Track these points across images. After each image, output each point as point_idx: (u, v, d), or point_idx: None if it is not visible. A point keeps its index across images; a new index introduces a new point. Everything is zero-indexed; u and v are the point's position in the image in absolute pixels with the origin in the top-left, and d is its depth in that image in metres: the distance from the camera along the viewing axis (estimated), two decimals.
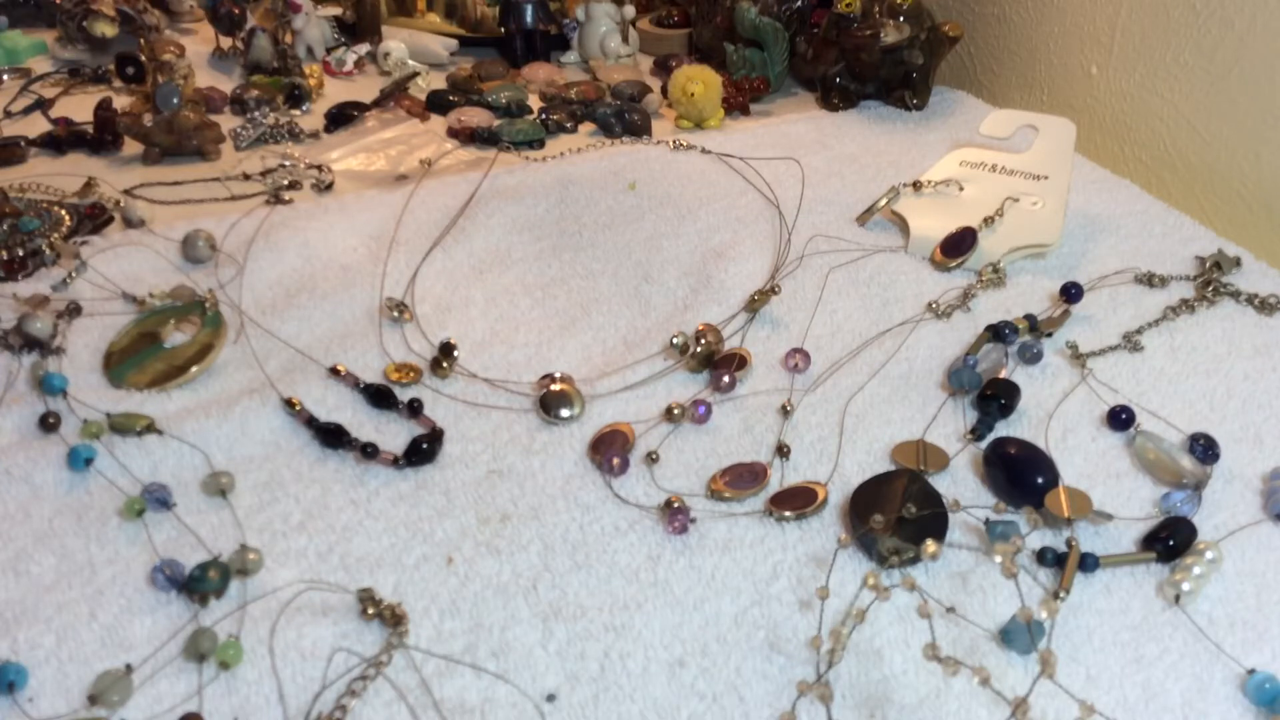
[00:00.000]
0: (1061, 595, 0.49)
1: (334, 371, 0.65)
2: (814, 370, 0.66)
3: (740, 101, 1.04)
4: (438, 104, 1.04)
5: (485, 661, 0.47)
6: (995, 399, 0.62)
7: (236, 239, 0.78)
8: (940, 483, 0.57)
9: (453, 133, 0.98)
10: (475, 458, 0.59)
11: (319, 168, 0.90)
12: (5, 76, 1.11)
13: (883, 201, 0.83)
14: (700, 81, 0.97)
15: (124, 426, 0.59)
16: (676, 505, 0.54)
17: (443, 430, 0.60)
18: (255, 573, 0.51)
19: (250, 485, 0.57)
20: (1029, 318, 0.69)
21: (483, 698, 0.45)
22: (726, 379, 0.64)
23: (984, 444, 0.59)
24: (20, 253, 0.74)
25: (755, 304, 0.72)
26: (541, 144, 0.96)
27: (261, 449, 0.59)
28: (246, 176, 0.89)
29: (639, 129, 0.97)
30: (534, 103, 1.06)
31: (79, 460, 0.56)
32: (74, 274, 0.73)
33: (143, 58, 1.01)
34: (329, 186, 0.88)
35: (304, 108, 1.03)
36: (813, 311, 0.72)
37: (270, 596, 0.50)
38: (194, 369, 0.64)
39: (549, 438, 0.61)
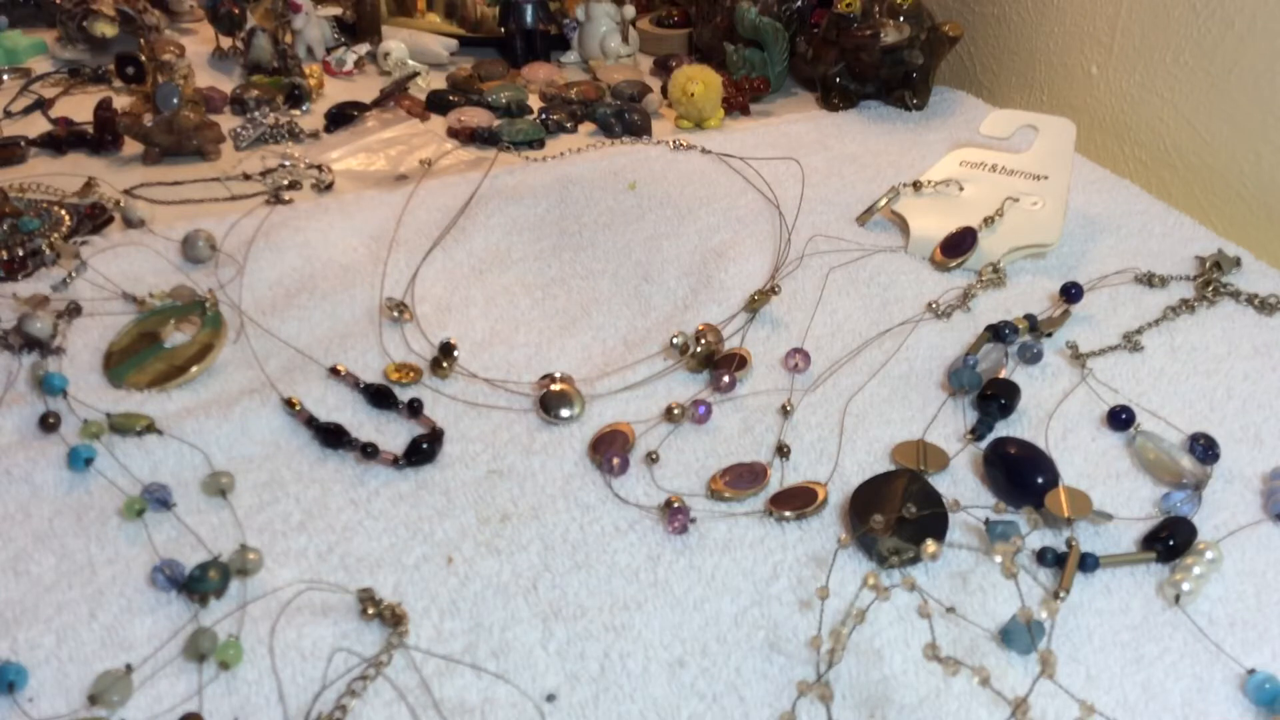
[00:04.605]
0: (1061, 595, 0.49)
1: (334, 371, 0.65)
2: (814, 370, 0.66)
3: (740, 101, 1.04)
4: (438, 104, 1.04)
5: (485, 661, 0.47)
6: (995, 399, 0.62)
7: (236, 239, 0.78)
8: (940, 483, 0.57)
9: (453, 133, 0.98)
10: (475, 458, 0.59)
11: (319, 168, 0.90)
12: (5, 76, 1.11)
13: (883, 201, 0.83)
14: (700, 81, 0.97)
15: (124, 426, 0.59)
16: (676, 505, 0.54)
17: (443, 430, 0.60)
18: (255, 573, 0.51)
19: (250, 485, 0.57)
20: (1029, 318, 0.69)
21: (483, 698, 0.45)
22: (726, 379, 0.64)
23: (984, 444, 0.59)
24: (20, 253, 0.74)
25: (755, 304, 0.72)
26: (541, 144, 0.96)
27: (261, 449, 0.59)
28: (246, 176, 0.89)
29: (639, 129, 0.97)
30: (534, 103, 1.06)
31: (79, 460, 0.56)
32: (74, 274, 0.73)
33: (143, 58, 1.01)
34: (329, 186, 0.88)
35: (304, 108, 1.03)
36: (813, 311, 0.72)
37: (270, 596, 0.50)
38: (194, 369, 0.64)
39: (549, 438, 0.61)
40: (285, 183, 0.87)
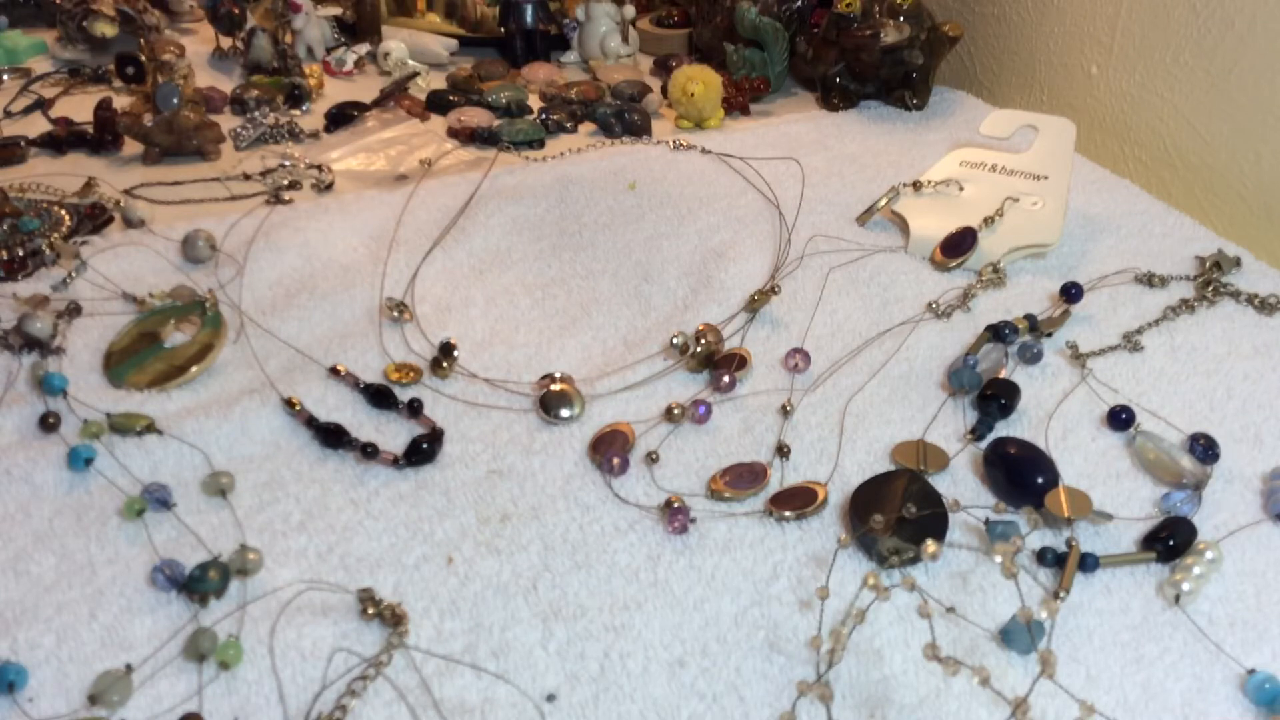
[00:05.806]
0: (1061, 595, 0.49)
1: (334, 371, 0.65)
2: (814, 370, 0.66)
3: (740, 101, 1.04)
4: (438, 104, 1.04)
5: (485, 661, 0.47)
6: (995, 399, 0.62)
7: (236, 239, 0.78)
8: (940, 483, 0.57)
9: (453, 133, 0.98)
10: (475, 458, 0.59)
11: (319, 168, 0.90)
12: (5, 76, 1.11)
13: (883, 201, 0.83)
14: (700, 81, 0.97)
15: (124, 426, 0.59)
16: (676, 505, 0.54)
17: (443, 430, 0.60)
18: (255, 573, 0.51)
19: (250, 485, 0.57)
20: (1029, 318, 0.69)
21: (483, 698, 0.45)
22: (726, 379, 0.64)
23: (984, 444, 0.59)
24: (20, 253, 0.74)
25: (755, 304, 0.72)
26: (541, 144, 0.96)
27: (261, 449, 0.59)
28: (246, 176, 0.89)
29: (639, 129, 0.97)
30: (534, 103, 1.06)
31: (79, 460, 0.56)
32: (74, 274, 0.73)
33: (143, 58, 1.01)
34: (329, 186, 0.88)
35: (304, 108, 1.03)
36: (813, 311, 0.72)
37: (270, 596, 0.50)
38: (194, 369, 0.64)
39: (549, 438, 0.61)
40: (285, 183, 0.87)
